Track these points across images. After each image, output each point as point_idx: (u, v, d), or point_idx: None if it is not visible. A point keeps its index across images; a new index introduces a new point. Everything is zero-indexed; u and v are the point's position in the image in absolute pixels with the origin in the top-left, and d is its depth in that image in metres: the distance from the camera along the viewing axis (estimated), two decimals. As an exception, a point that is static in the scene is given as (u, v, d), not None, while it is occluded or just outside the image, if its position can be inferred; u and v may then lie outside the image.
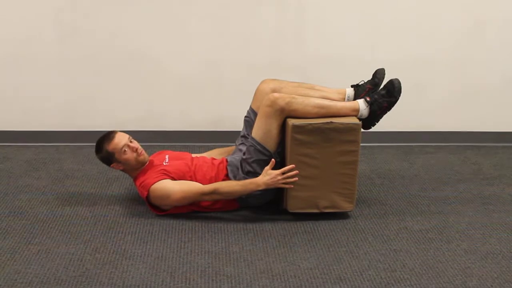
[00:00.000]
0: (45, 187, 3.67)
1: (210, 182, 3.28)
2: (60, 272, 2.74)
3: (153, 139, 4.33)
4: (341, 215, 3.31)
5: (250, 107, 3.51)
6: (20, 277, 2.69)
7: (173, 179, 3.26)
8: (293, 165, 3.17)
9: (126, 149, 3.31)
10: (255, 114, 3.39)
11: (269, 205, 3.39)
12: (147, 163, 3.39)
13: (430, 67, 4.50)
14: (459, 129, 4.63)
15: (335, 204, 3.27)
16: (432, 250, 2.98)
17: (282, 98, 3.24)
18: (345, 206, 3.28)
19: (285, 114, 3.25)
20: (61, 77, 4.37)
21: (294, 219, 3.27)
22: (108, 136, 3.36)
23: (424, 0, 4.39)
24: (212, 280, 2.70)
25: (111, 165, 3.36)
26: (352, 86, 3.50)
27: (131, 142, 3.34)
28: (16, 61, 4.33)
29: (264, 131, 3.26)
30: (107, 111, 4.43)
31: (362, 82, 3.48)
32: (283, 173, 3.16)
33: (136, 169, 3.37)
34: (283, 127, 3.27)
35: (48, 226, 3.16)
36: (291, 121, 3.21)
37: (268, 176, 3.16)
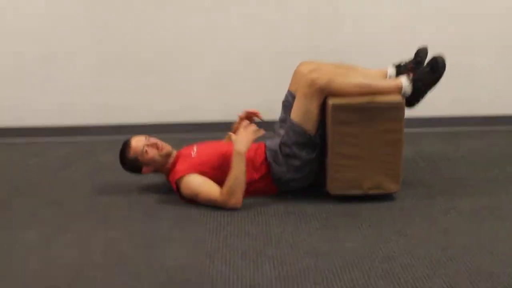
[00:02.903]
0: (82, 179, 3.61)
1: (247, 165, 3.16)
2: (97, 256, 2.67)
3: (191, 130, 4.26)
4: (386, 197, 3.16)
5: (288, 90, 3.40)
6: (58, 261, 2.63)
7: (201, 172, 3.16)
8: (253, 111, 3.18)
9: (147, 149, 3.25)
10: (293, 97, 3.27)
11: (310, 189, 3.27)
12: (174, 157, 3.32)
13: (475, 50, 4.34)
14: (505, 112, 4.45)
15: (380, 185, 3.13)
16: (486, 229, 2.81)
17: (321, 78, 3.12)
18: (391, 187, 3.14)
19: (324, 94, 3.13)
20: (97, 72, 4.35)
21: (337, 202, 3.13)
22: (124, 145, 3.32)
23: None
24: (253, 261, 2.59)
25: (142, 171, 3.31)
26: (393, 66, 3.37)
27: (148, 140, 3.28)
28: (51, 57, 4.32)
29: (303, 112, 3.15)
30: (143, 104, 4.39)
31: (404, 63, 3.34)
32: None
33: (165, 165, 3.30)
34: (323, 108, 3.16)
35: (85, 214, 3.10)
36: (331, 101, 3.09)
37: (237, 139, 3.11)
